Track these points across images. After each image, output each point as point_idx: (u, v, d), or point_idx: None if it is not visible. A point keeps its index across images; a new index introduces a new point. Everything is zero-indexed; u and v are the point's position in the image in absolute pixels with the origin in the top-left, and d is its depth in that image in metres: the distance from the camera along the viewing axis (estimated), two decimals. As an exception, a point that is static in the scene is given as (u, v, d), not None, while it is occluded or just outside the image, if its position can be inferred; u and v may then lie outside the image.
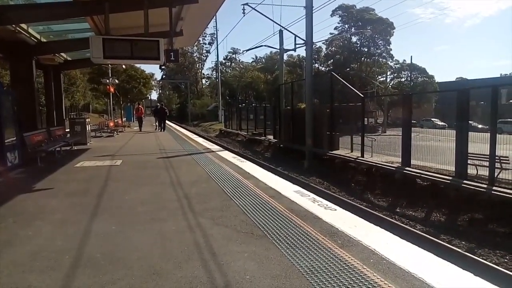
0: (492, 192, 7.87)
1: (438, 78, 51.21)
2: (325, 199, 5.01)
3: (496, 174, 8.36)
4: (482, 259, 6.31)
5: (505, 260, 6.40)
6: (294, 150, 17.74)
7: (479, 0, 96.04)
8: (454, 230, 7.84)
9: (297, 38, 19.30)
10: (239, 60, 74.95)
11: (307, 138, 15.60)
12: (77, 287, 2.65)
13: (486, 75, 52.63)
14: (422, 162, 11.20)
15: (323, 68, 47.32)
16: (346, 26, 43.12)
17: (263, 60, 65.83)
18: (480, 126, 20.18)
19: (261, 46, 30.38)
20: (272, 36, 52.98)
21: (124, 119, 35.09)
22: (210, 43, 72.43)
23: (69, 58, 18.30)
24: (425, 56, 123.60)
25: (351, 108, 15.60)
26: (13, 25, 10.50)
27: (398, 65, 45.36)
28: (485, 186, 8.23)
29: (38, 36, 12.90)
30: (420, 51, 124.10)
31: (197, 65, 76.44)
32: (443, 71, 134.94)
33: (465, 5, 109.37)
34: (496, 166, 8.35)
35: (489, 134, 8.65)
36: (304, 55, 24.96)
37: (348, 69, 42.24)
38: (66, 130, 14.94)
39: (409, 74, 43.41)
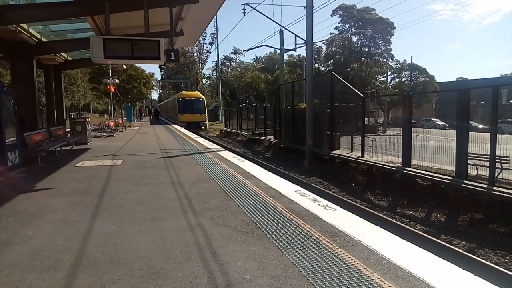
0: (493, 192, 7.87)
1: (441, 78, 51.22)
2: (325, 199, 5.00)
3: (496, 174, 8.35)
4: (482, 259, 6.31)
5: (505, 260, 6.40)
6: (294, 150, 17.74)
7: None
8: (455, 230, 7.84)
9: (297, 38, 19.26)
10: (239, 60, 74.97)
11: (308, 138, 15.61)
12: (77, 286, 2.65)
13: (495, 75, 52.28)
14: (422, 162, 11.20)
15: (323, 68, 47.27)
16: (347, 26, 43.09)
17: (264, 60, 65.79)
18: (480, 126, 20.18)
19: (262, 46, 30.49)
20: (272, 36, 52.67)
21: (124, 118, 35.09)
22: (210, 43, 72.37)
23: (69, 58, 18.34)
24: (435, 55, 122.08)
25: (351, 108, 15.61)
26: (14, 25, 10.51)
27: (398, 65, 45.38)
28: (485, 186, 8.23)
29: (38, 36, 12.91)
30: (431, 49, 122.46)
31: (198, 64, 76.38)
32: (452, 71, 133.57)
33: (487, 1, 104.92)
34: (496, 166, 8.35)
35: (489, 134, 8.64)
36: (305, 55, 24.97)
37: (348, 69, 42.20)
38: (67, 129, 14.95)
39: (410, 74, 43.39)
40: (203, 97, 33.78)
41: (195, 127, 28.61)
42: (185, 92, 37.34)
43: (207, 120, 33.06)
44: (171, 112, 38.46)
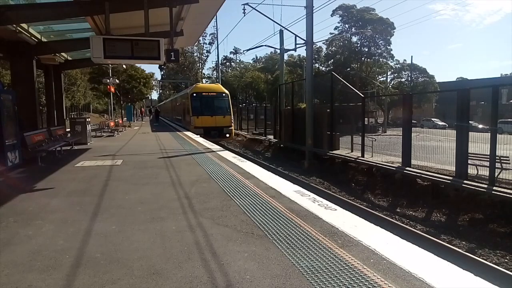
0: (493, 192, 7.87)
1: (441, 78, 51.30)
2: (325, 199, 5.00)
3: (496, 174, 8.36)
4: (482, 259, 6.32)
5: (505, 260, 6.41)
6: (294, 150, 17.75)
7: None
8: (455, 230, 7.85)
9: (297, 38, 19.25)
10: (239, 60, 74.96)
11: (307, 138, 15.61)
12: (77, 286, 2.65)
13: (495, 75, 52.40)
14: (422, 162, 11.21)
15: (323, 68, 47.28)
16: (347, 26, 43.09)
17: (264, 60, 65.80)
18: (480, 126, 20.16)
19: (262, 46, 30.48)
20: (272, 36, 52.57)
21: (124, 118, 35.08)
22: (210, 43, 72.40)
23: (69, 58, 18.32)
24: (435, 55, 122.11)
25: (351, 108, 15.63)
26: (14, 25, 10.50)
27: (398, 65, 45.40)
28: (485, 186, 8.23)
29: (38, 36, 12.90)
30: (431, 49, 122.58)
31: (198, 65, 76.40)
32: (453, 71, 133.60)
33: (488, 0, 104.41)
34: (496, 166, 8.35)
35: (489, 134, 8.65)
36: (305, 55, 24.96)
37: (348, 69, 42.21)
38: (67, 129, 14.95)
39: (410, 74, 43.39)
40: (226, 91, 22.60)
41: (216, 135, 20.30)
42: (200, 84, 26.28)
43: (233, 124, 22.42)
44: (180, 113, 27.84)
